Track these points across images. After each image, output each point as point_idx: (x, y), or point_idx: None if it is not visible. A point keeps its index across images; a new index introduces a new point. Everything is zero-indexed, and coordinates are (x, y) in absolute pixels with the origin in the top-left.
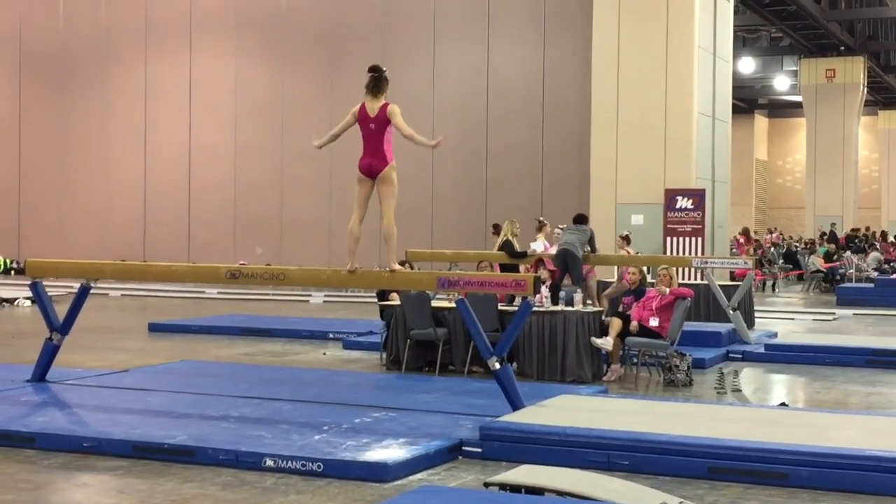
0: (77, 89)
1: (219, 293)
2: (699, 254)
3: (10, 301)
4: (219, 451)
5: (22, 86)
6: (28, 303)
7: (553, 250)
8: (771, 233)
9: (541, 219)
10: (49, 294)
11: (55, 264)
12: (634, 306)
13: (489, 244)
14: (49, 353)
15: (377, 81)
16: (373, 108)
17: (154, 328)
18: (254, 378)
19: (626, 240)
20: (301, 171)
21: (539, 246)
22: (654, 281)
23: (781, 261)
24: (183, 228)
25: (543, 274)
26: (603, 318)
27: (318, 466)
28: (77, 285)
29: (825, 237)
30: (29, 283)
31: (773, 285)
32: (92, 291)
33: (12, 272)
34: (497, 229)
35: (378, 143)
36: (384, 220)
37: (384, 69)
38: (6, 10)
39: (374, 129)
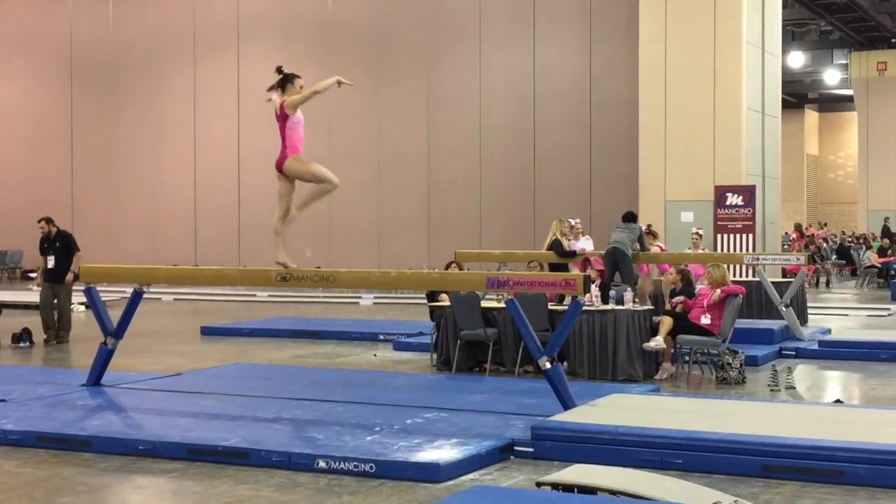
0: (127, 96)
1: (269, 296)
2: (750, 250)
3: None
4: (272, 452)
5: (73, 93)
6: (82, 308)
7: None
8: (822, 227)
9: (572, 222)
10: (103, 299)
11: (108, 270)
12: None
13: (538, 244)
14: (104, 358)
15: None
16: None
17: (206, 332)
18: (305, 380)
19: (700, 237)
20: (349, 174)
21: (589, 245)
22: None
23: (834, 256)
24: (233, 232)
25: (591, 273)
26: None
27: (371, 467)
28: (130, 290)
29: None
30: (83, 288)
31: (827, 281)
32: (145, 296)
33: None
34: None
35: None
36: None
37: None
38: (57, 20)
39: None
